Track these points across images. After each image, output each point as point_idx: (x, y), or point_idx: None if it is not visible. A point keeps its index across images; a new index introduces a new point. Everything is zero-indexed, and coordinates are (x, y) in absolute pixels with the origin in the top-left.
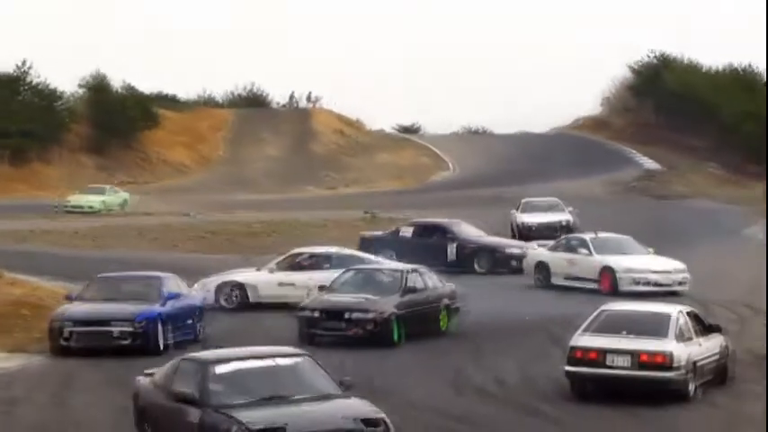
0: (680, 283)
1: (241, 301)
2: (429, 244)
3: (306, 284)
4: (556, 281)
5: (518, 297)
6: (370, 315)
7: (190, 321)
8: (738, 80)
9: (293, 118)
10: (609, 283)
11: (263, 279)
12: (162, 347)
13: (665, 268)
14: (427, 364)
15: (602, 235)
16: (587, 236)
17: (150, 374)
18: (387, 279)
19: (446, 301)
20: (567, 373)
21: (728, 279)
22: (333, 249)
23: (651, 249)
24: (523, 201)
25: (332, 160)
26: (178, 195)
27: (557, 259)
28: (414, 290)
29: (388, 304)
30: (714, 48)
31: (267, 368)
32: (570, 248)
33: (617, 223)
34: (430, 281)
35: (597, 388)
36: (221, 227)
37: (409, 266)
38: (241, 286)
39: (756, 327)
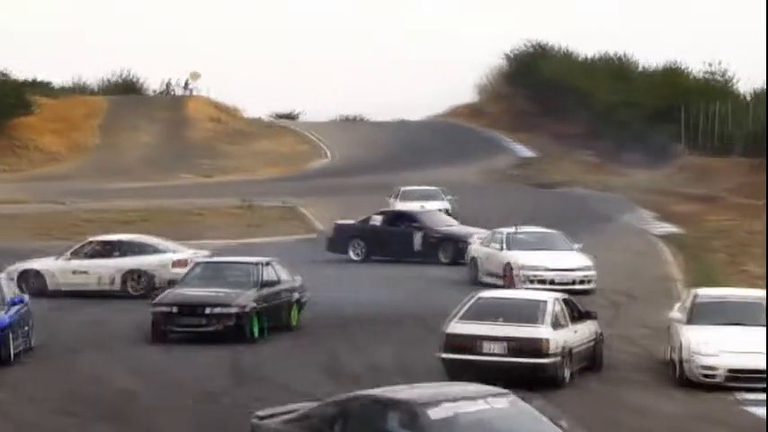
0: (581, 282)
1: (40, 289)
2: (397, 233)
3: (98, 272)
4: (480, 277)
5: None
6: (233, 310)
7: (26, 327)
8: (612, 69)
9: (169, 105)
10: (510, 280)
11: (59, 267)
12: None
13: (565, 266)
14: (301, 354)
15: (528, 229)
16: (506, 230)
17: (269, 417)
18: (240, 272)
19: (296, 294)
20: (443, 359)
21: (605, 266)
22: (125, 237)
23: (577, 246)
24: (401, 189)
25: (208, 148)
26: (52, 183)
27: (480, 254)
28: (269, 283)
29: (248, 298)
30: (589, 37)
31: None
32: (492, 243)
33: (493, 211)
34: (282, 274)
35: (472, 375)
36: (96, 215)
37: (263, 259)
38: (39, 274)
39: (631, 313)
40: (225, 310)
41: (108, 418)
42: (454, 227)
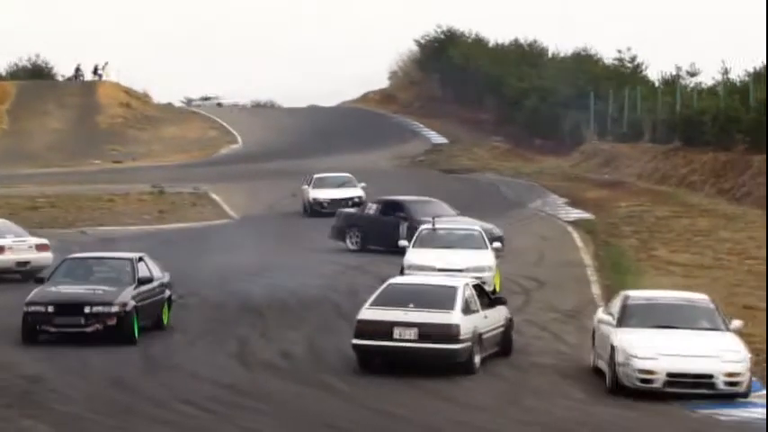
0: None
1: None
2: (387, 222)
3: None
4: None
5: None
6: (114, 308)
7: None
8: (522, 55)
9: (78, 91)
10: None
11: None
12: None
13: (456, 267)
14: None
15: (448, 226)
16: (423, 226)
17: None
18: (112, 268)
19: (168, 291)
20: (354, 346)
21: (515, 252)
22: None
23: (497, 244)
24: (315, 176)
25: (118, 134)
26: None
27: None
28: (145, 280)
29: (127, 296)
30: (499, 23)
31: None
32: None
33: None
34: (154, 270)
35: (384, 361)
36: (3, 201)
37: (136, 255)
38: None
39: (541, 298)
40: (106, 309)
41: None
42: (443, 217)
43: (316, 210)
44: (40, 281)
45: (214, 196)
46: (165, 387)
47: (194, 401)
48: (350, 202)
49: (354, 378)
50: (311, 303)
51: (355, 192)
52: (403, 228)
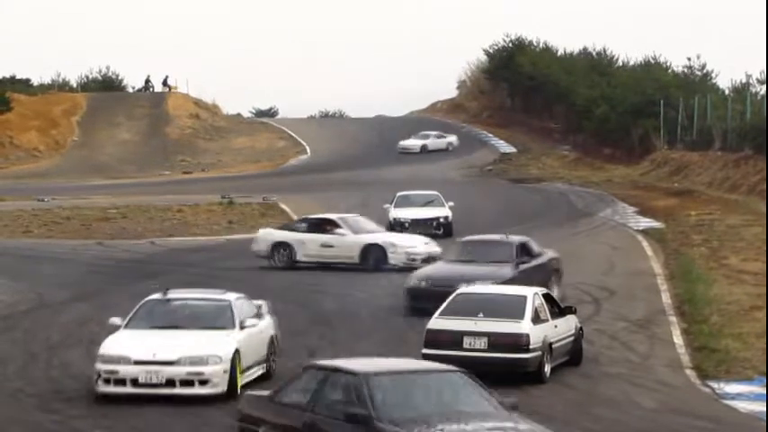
0: None
1: None
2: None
3: None
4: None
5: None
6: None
7: None
8: (591, 64)
9: (148, 102)
10: None
11: None
12: None
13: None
14: None
15: (187, 295)
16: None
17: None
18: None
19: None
20: (424, 355)
21: (584, 261)
22: None
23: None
24: (398, 194)
25: (187, 144)
26: (31, 180)
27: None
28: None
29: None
30: (568, 32)
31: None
32: None
33: (476, 207)
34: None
35: None
36: (76, 212)
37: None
38: None
39: (611, 308)
40: None
41: None
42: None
43: (397, 230)
44: None
45: (283, 206)
46: None
47: None
48: (434, 223)
49: None
50: (381, 314)
51: (441, 211)
52: None
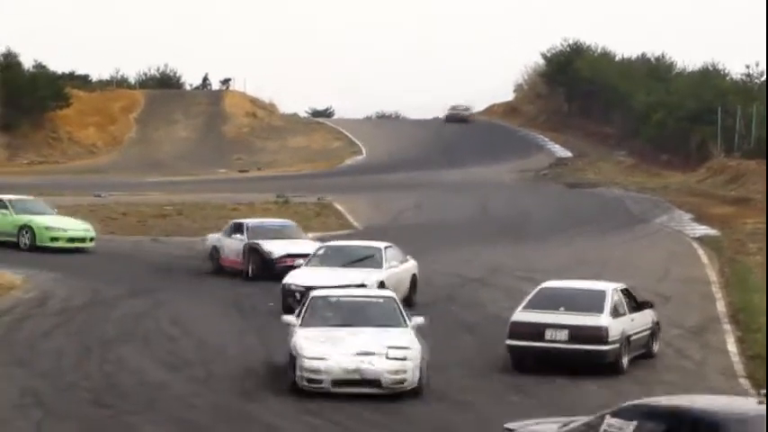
0: None
1: None
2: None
3: None
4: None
5: None
6: None
7: None
8: (649, 69)
9: (205, 100)
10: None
11: None
12: None
13: None
14: None
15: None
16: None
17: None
18: None
19: None
20: (508, 346)
21: (639, 268)
22: None
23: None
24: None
25: (244, 143)
26: (88, 176)
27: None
28: None
29: None
30: (627, 37)
31: None
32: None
33: (530, 210)
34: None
35: (536, 360)
36: (132, 208)
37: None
38: None
39: (665, 314)
40: None
41: None
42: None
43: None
44: None
45: (338, 206)
46: None
47: None
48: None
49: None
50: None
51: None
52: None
